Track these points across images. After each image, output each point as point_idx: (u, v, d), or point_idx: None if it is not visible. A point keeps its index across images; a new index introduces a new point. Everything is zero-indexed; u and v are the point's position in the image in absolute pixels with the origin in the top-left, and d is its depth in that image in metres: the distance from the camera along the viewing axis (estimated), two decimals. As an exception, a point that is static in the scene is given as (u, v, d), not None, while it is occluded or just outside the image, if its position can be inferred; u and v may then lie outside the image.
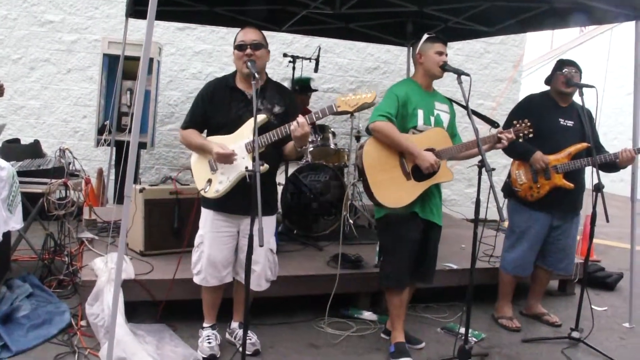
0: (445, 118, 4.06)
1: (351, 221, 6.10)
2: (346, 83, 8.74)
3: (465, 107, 3.70)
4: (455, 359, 3.78)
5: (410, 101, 3.91)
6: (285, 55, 6.63)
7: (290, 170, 5.84)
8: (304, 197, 5.89)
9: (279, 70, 8.09)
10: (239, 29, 3.73)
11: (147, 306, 4.23)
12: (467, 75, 3.73)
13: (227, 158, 3.54)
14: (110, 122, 6.56)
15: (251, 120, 3.53)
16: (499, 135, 3.86)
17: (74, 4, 7.79)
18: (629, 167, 4.80)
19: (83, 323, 4.06)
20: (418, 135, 3.91)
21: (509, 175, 4.69)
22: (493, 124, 4.34)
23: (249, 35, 3.63)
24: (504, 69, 9.52)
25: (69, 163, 5.11)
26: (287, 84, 7.00)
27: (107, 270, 4.01)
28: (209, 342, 3.82)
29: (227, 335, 4.08)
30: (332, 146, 6.30)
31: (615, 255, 7.48)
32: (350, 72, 8.80)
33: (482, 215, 3.67)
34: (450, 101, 4.21)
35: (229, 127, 3.64)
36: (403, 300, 4.05)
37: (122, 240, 3.36)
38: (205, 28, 8.08)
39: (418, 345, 4.21)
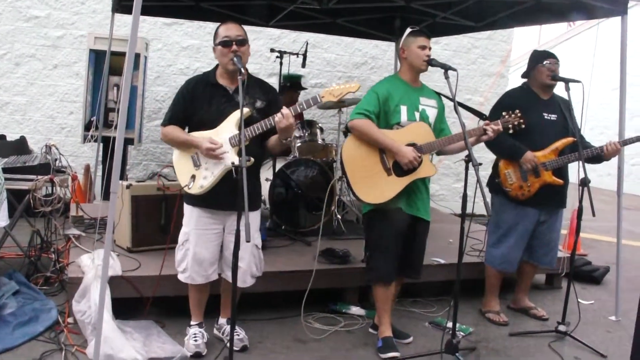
0: (431, 113, 4.04)
1: (339, 216, 6.10)
2: (334, 78, 8.72)
3: (453, 101, 3.71)
4: (443, 353, 3.80)
5: (393, 98, 3.91)
6: (272, 50, 6.62)
7: (278, 166, 5.83)
8: (291, 193, 5.88)
9: (266, 66, 8.07)
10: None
11: (135, 303, 4.21)
12: (454, 70, 3.75)
13: (217, 152, 3.52)
14: (97, 118, 6.52)
15: (233, 114, 3.54)
16: (484, 127, 3.85)
17: (60, -1, 7.73)
18: (615, 162, 4.84)
19: (70, 320, 4.04)
20: (399, 130, 3.91)
21: (498, 175, 4.60)
22: (481, 116, 4.36)
23: (234, 31, 3.60)
24: (491, 64, 9.54)
25: (55, 159, 5.07)
26: (274, 79, 6.99)
27: (94, 267, 3.99)
28: (195, 340, 3.81)
29: (215, 331, 4.07)
30: (319, 141, 6.30)
31: (602, 249, 7.52)
32: (338, 67, 8.79)
33: (469, 210, 3.68)
34: (438, 95, 4.20)
35: (211, 123, 3.62)
36: (390, 295, 4.06)
37: (109, 237, 3.35)
38: (193, 23, 8.05)
39: (406, 340, 4.22)
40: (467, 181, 3.68)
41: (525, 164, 4.46)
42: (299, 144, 6.17)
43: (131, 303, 4.19)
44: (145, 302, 4.19)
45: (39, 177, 4.67)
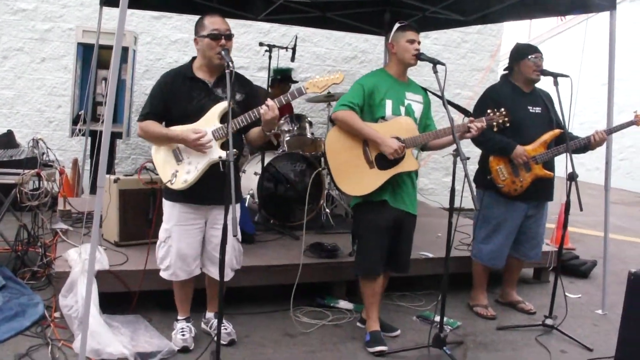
0: (417, 108, 4.04)
1: (328, 210, 6.10)
2: (323, 72, 8.57)
3: (441, 97, 3.71)
4: (431, 347, 3.82)
5: (378, 91, 3.91)
6: (261, 44, 6.59)
7: (267, 160, 5.82)
8: (280, 187, 5.88)
9: (255, 60, 8.04)
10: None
11: (122, 297, 4.20)
12: (443, 64, 3.74)
13: (203, 141, 3.49)
14: (85, 112, 6.48)
15: (214, 107, 3.54)
16: (468, 124, 3.84)
17: (47, -9, 7.67)
18: (603, 156, 4.86)
19: (57, 315, 4.02)
20: (383, 123, 3.91)
21: (490, 172, 4.53)
22: (466, 113, 4.35)
23: (223, 25, 3.58)
24: (481, 58, 9.55)
25: (43, 153, 5.04)
26: (264, 73, 6.97)
27: (81, 261, 3.97)
28: (183, 335, 3.80)
29: (203, 325, 4.06)
30: (308, 135, 6.29)
31: (589, 243, 7.56)
32: (327, 61, 8.77)
33: (457, 204, 3.69)
34: (425, 91, 4.20)
35: (191, 117, 3.58)
36: (377, 289, 4.07)
37: (95, 231, 3.32)
38: (182, 17, 7.99)
39: (393, 333, 4.23)
40: (455, 175, 3.69)
41: (517, 158, 4.44)
42: (288, 138, 6.15)
43: (118, 297, 4.17)
44: (133, 297, 4.18)
45: (26, 171, 4.65)
